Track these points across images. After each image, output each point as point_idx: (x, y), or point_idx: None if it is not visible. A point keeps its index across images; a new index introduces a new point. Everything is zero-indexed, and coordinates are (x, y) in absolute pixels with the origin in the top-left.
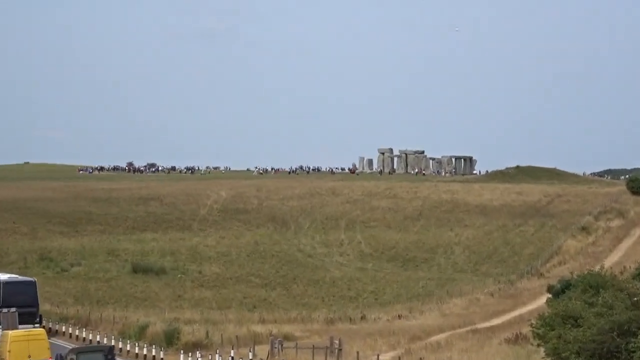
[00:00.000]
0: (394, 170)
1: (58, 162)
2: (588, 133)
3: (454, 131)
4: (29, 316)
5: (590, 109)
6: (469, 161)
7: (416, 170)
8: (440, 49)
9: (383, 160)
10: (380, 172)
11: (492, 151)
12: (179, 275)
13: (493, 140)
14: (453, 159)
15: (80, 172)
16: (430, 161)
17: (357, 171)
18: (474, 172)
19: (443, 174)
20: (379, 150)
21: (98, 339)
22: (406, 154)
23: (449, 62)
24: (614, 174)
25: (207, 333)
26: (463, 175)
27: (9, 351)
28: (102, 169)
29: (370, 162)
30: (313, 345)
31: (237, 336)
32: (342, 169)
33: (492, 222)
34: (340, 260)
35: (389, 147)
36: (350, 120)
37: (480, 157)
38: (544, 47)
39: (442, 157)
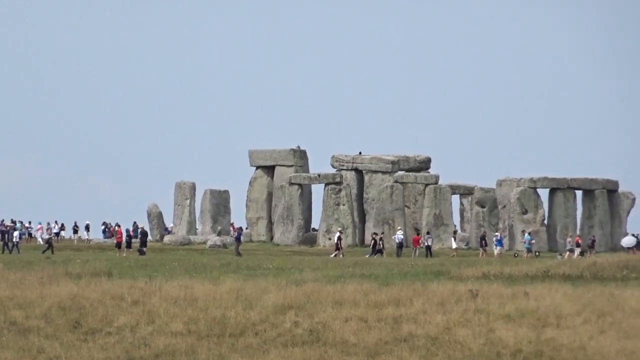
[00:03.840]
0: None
1: None
2: None
3: None
4: None
5: None
6: None
7: (397, 241)
8: None
9: (251, 206)
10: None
11: None
12: None
13: None
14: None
15: None
16: (467, 204)
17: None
18: None
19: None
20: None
21: None
22: (356, 169)
23: None
24: None
25: None
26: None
27: None
28: None
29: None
30: None
31: None
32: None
33: None
34: None
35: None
36: None
37: None
38: None
39: (524, 183)
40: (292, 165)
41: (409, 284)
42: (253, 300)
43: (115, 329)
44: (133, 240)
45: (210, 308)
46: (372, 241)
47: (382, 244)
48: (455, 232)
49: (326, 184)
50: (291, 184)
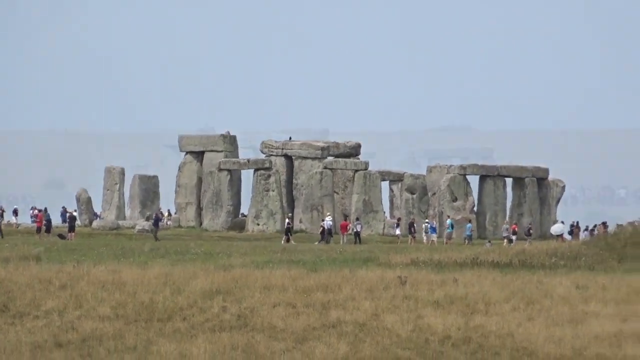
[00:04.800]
0: None
1: None
2: None
3: None
4: None
5: None
6: None
7: (325, 227)
8: None
9: None
10: None
11: None
12: None
13: None
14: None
15: None
16: (397, 190)
17: None
18: None
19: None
20: None
21: None
22: (286, 155)
23: None
24: None
25: None
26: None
27: None
28: None
29: None
30: None
31: None
32: None
33: None
34: None
35: None
36: None
37: None
38: None
39: (454, 170)
40: (221, 151)
41: (337, 270)
42: (181, 285)
43: (43, 312)
44: (61, 224)
45: (138, 293)
46: (321, 228)
47: (330, 231)
48: (399, 219)
49: (255, 170)
50: (220, 169)
